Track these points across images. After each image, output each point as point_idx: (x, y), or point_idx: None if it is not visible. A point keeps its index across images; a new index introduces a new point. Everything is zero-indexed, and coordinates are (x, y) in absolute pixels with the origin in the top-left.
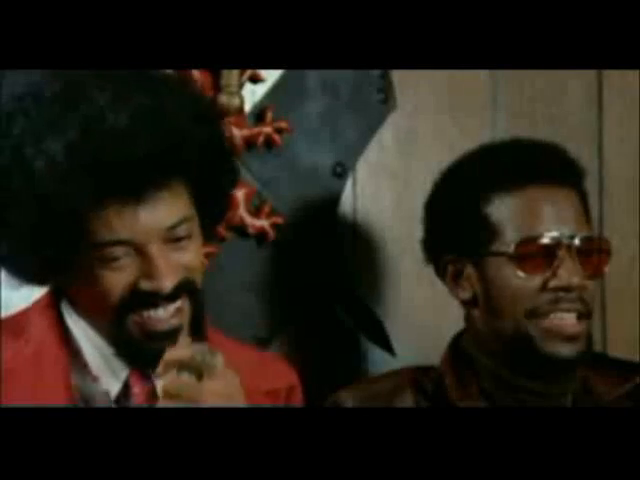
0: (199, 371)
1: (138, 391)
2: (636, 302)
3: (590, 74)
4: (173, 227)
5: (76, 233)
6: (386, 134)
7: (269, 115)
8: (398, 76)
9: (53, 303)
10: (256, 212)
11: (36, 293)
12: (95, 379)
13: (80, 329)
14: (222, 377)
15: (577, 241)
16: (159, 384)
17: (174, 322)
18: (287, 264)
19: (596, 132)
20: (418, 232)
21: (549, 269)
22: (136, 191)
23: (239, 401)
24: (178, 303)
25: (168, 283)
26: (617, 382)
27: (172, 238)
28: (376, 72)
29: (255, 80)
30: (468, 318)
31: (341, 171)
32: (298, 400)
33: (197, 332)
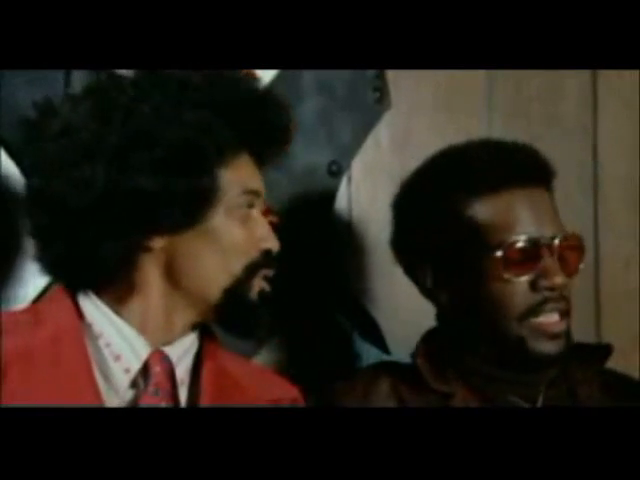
0: None
1: (159, 370)
2: (631, 302)
3: (585, 74)
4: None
5: (217, 178)
6: (382, 133)
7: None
8: (394, 75)
9: (67, 293)
10: None
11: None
12: (117, 358)
13: (102, 314)
14: None
15: (557, 241)
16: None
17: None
18: (282, 263)
19: (591, 132)
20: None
21: (533, 271)
22: (266, 156)
23: None
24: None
25: (278, 246)
26: (584, 364)
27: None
28: (372, 71)
29: (250, 79)
30: (443, 319)
31: (337, 170)
32: None
33: None
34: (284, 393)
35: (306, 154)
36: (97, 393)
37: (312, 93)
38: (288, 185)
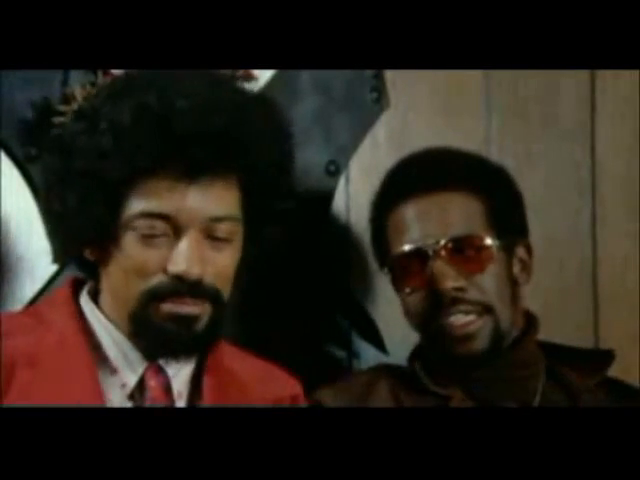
0: None
1: (154, 385)
2: (630, 302)
3: (583, 74)
4: (217, 220)
5: (119, 202)
6: (379, 133)
7: None
8: (391, 75)
9: (71, 298)
10: None
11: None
12: (114, 371)
13: (101, 324)
14: None
15: (441, 245)
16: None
17: (196, 310)
18: (279, 263)
19: (589, 132)
20: None
21: (422, 278)
22: (192, 170)
23: None
24: (199, 303)
25: (195, 270)
26: (586, 372)
27: (212, 234)
28: (369, 71)
29: (248, 79)
30: None
31: (334, 170)
32: None
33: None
34: (286, 391)
35: (304, 154)
36: (102, 403)
37: (309, 93)
38: None
